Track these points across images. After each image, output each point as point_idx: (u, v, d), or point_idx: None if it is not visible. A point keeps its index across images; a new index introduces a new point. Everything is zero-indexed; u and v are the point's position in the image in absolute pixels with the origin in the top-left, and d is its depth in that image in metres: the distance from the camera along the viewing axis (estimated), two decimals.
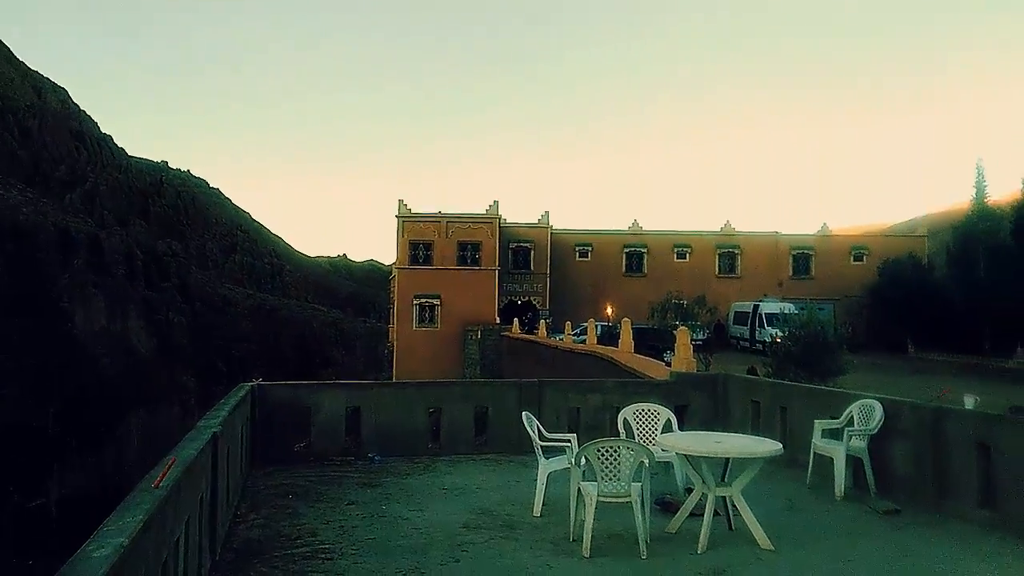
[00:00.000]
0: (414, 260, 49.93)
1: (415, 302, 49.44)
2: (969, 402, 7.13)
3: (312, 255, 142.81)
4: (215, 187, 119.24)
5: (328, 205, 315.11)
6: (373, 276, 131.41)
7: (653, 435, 7.30)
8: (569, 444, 6.85)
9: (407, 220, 50.09)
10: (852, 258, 53.22)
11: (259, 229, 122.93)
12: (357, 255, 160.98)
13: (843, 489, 7.43)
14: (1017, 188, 47.60)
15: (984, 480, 6.51)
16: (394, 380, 41.04)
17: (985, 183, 42.80)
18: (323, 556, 5.59)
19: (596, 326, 30.03)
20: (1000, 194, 47.74)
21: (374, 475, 8.37)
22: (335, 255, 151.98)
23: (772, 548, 5.73)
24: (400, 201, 50.11)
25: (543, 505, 6.72)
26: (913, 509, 6.91)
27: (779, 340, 16.99)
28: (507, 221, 52.02)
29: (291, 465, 8.72)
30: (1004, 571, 5.37)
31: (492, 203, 50.45)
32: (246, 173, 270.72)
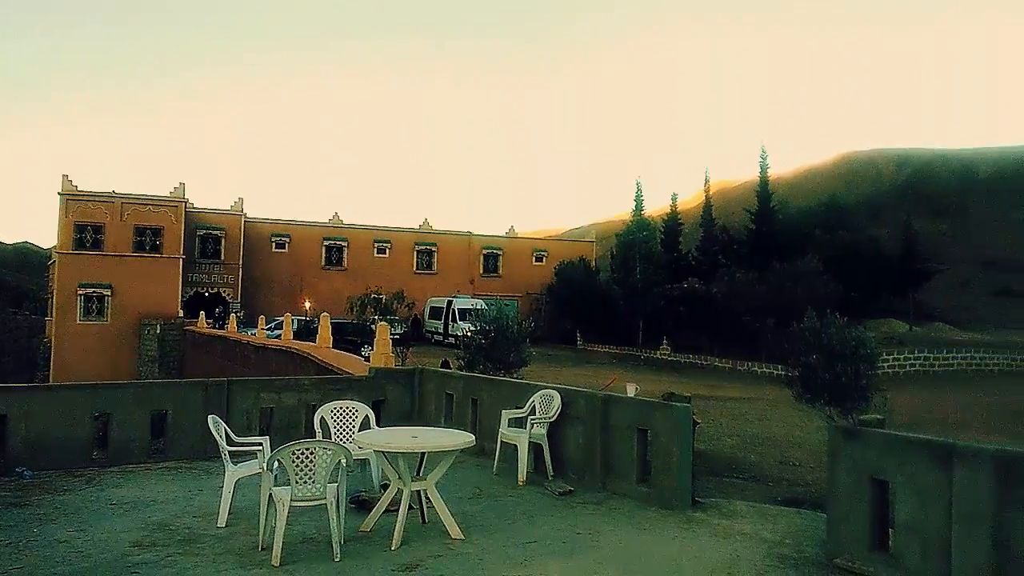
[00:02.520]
0: (80, 244, 44.13)
1: (81, 292, 43.74)
2: (631, 391, 8.09)
3: None
4: None
5: None
6: (27, 261, 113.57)
7: (351, 433, 7.21)
8: (261, 448, 6.49)
9: (73, 198, 44.10)
10: (534, 259, 57.98)
11: None
12: (6, 236, 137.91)
13: (525, 474, 8.00)
14: (668, 203, 55.69)
15: (642, 460, 7.42)
16: (51, 382, 35.91)
17: (643, 197, 49.13)
18: None
19: (293, 320, 29.11)
20: (655, 207, 55.33)
21: (23, 493, 7.18)
22: None
23: (462, 537, 5.96)
24: (64, 176, 43.93)
25: (229, 515, 6.28)
26: (584, 489, 7.65)
27: (470, 334, 17.86)
28: (195, 206, 48.20)
29: None
30: (654, 537, 6.16)
31: (178, 185, 46.36)
32: None
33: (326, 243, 52.83)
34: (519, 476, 7.98)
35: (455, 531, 6.00)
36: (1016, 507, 4.41)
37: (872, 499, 5.28)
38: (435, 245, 55.35)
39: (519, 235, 59.83)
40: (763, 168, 49.39)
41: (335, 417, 7.37)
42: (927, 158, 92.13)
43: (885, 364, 30.94)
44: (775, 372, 30.22)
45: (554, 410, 8.19)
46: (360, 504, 6.72)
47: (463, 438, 6.43)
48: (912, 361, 35.70)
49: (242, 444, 6.60)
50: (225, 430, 6.45)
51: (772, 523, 6.56)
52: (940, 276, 50.77)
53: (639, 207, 48.69)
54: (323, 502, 5.45)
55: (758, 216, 48.63)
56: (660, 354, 41.86)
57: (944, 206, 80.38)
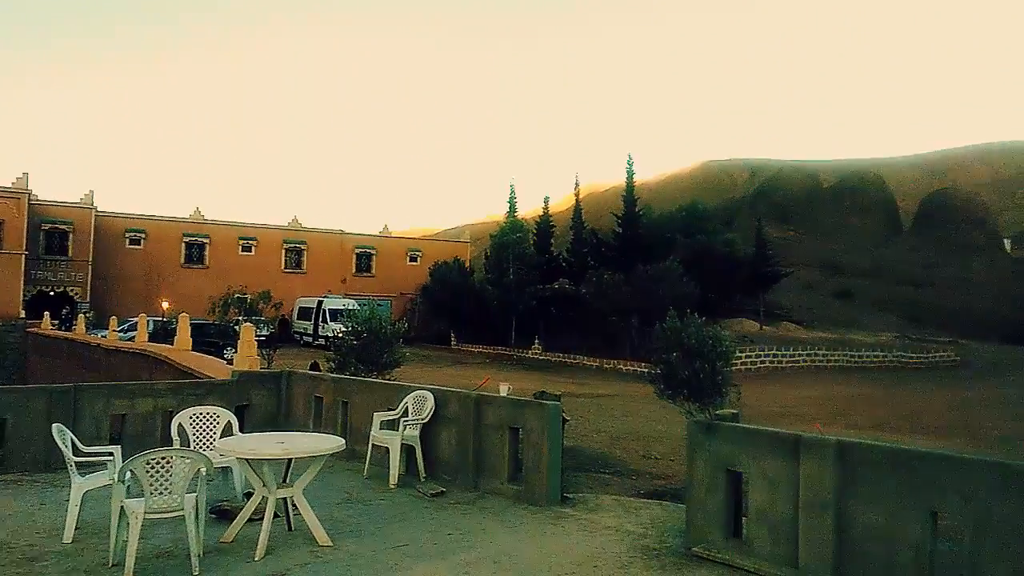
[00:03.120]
0: None
1: None
2: (504, 390, 8.16)
3: None
4: None
5: None
6: None
7: (212, 440, 6.89)
8: (112, 458, 6.09)
9: None
10: (408, 259, 57.49)
11: None
12: None
13: (397, 477, 7.92)
14: (540, 206, 56.72)
15: (513, 458, 7.52)
16: None
17: (516, 199, 49.91)
18: None
19: (149, 322, 27.51)
20: (528, 209, 56.30)
21: None
22: None
23: (331, 544, 5.82)
24: None
25: (76, 530, 5.85)
26: (457, 489, 7.67)
27: (341, 335, 17.43)
28: (39, 198, 44.58)
29: None
30: (524, 534, 6.26)
31: (21, 175, 42.73)
32: None
33: (186, 240, 50.19)
34: (391, 479, 7.90)
35: (323, 538, 5.85)
36: (856, 494, 4.79)
37: (728, 489, 5.59)
38: (305, 243, 53.77)
39: (393, 234, 59.18)
40: (629, 174, 51.23)
41: (194, 423, 7.02)
42: (776, 167, 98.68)
43: (739, 361, 32.85)
44: (639, 369, 31.39)
45: (427, 411, 8.15)
46: (222, 514, 6.43)
47: (332, 442, 6.29)
48: (763, 358, 38.11)
49: (90, 454, 6.17)
50: (71, 439, 6.00)
51: (636, 516, 6.82)
52: (788, 278, 54.53)
53: (512, 209, 49.44)
54: (180, 513, 5.17)
55: (624, 220, 50.42)
56: (532, 353, 42.58)
57: (791, 213, 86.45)
